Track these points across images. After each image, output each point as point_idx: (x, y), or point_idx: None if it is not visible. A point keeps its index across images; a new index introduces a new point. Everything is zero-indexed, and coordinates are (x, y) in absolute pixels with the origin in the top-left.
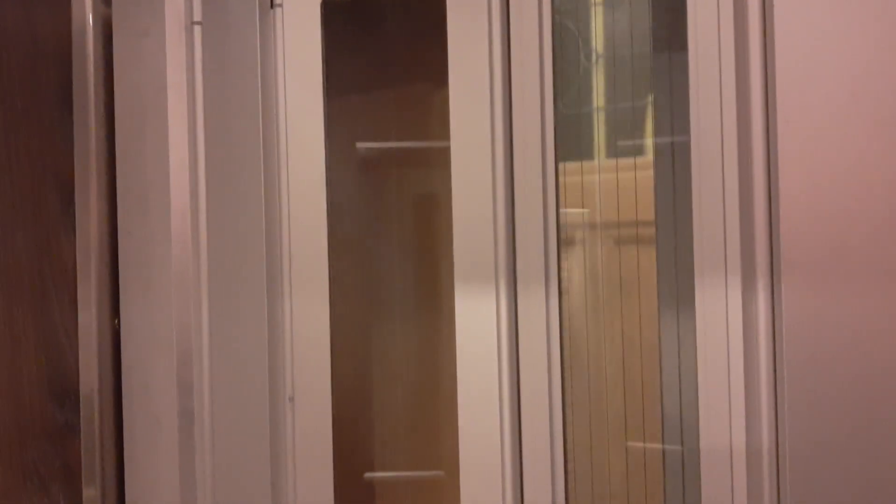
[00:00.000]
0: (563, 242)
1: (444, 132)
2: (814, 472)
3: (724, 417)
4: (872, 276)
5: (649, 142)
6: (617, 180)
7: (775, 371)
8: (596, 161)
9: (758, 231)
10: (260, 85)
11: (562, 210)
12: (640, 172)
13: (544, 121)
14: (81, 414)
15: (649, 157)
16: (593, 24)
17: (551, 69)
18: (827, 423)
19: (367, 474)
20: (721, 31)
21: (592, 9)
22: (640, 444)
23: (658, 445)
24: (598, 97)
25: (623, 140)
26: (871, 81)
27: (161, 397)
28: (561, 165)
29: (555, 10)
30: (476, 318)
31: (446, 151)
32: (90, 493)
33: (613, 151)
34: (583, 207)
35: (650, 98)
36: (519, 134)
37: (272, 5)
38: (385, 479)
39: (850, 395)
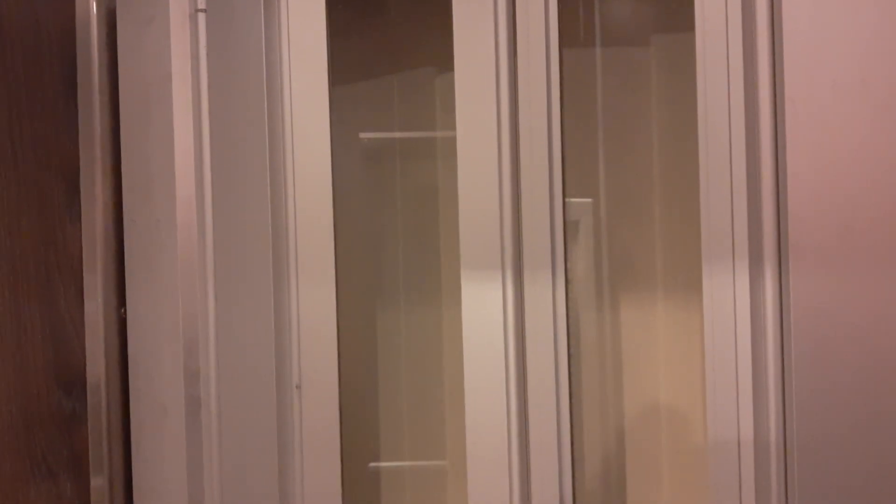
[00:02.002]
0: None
1: (450, 121)
2: (822, 463)
3: (731, 408)
4: (881, 260)
5: None
6: None
7: (783, 360)
8: None
9: (765, 215)
10: (265, 72)
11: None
12: None
13: (550, 108)
14: (88, 403)
15: None
16: None
17: (558, 54)
18: (836, 414)
19: (372, 464)
20: (728, 13)
21: None
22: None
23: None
24: None
25: None
26: (879, 65)
27: (167, 386)
28: None
29: None
30: (482, 307)
31: (451, 141)
32: (97, 481)
33: None
34: None
35: None
36: (525, 122)
37: None
38: (390, 468)
39: (860, 384)
